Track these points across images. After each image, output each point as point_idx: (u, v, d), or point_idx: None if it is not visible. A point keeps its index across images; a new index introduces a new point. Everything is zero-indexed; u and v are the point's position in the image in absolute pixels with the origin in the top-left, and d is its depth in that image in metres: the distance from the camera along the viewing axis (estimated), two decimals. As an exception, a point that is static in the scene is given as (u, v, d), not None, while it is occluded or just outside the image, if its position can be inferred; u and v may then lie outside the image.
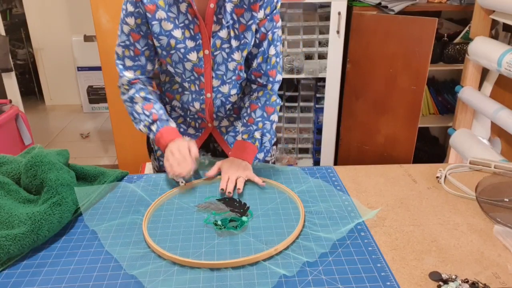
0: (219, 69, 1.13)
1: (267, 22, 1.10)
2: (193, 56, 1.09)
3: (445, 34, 2.49)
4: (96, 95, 4.06)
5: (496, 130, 2.07)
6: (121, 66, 1.14)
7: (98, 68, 3.74)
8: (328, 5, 2.29)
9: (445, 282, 0.77)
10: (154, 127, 1.12)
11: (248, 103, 1.20)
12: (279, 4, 1.11)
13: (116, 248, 0.87)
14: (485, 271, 0.81)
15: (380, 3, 2.26)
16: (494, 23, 2.04)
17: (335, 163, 2.64)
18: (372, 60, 2.31)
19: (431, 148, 2.81)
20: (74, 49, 3.97)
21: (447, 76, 2.76)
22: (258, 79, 1.19)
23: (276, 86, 1.21)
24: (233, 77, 1.17)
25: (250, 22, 1.08)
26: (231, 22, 1.08)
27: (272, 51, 1.15)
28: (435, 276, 0.79)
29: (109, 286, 0.78)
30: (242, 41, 1.10)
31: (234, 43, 1.10)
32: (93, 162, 3.16)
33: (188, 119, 1.26)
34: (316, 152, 2.68)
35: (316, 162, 2.69)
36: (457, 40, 2.46)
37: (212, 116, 1.23)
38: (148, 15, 1.05)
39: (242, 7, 1.06)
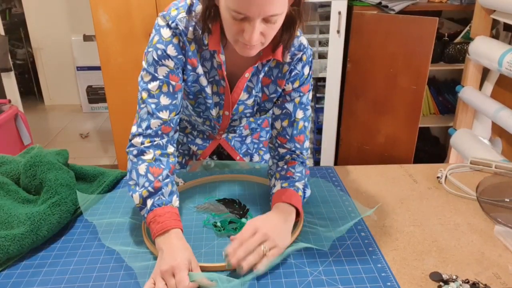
0: (235, 120, 1.09)
1: (293, 92, 0.99)
2: (214, 112, 1.03)
3: (446, 34, 2.49)
4: (95, 95, 4.06)
5: (497, 130, 2.07)
6: (153, 105, 0.91)
7: (97, 68, 3.72)
8: (328, 5, 2.28)
9: (446, 282, 0.77)
10: (149, 202, 0.87)
11: (283, 163, 1.02)
12: (310, 74, 1.00)
13: (116, 247, 0.87)
14: (485, 272, 0.81)
15: (380, 3, 2.25)
16: (495, 22, 2.04)
17: (335, 163, 2.63)
18: (372, 59, 2.30)
19: (432, 148, 2.81)
20: (74, 49, 3.96)
21: (447, 76, 2.76)
22: (285, 145, 1.02)
23: (305, 153, 1.04)
24: (247, 119, 1.13)
25: (272, 96, 1.01)
26: (258, 90, 1.01)
27: (299, 114, 1.00)
28: (436, 277, 0.79)
29: (108, 286, 0.77)
30: (262, 109, 1.05)
31: (255, 108, 1.05)
32: (93, 162, 3.15)
33: (195, 132, 1.21)
34: (316, 152, 2.68)
35: (316, 162, 2.68)
36: (458, 39, 2.45)
37: (221, 134, 1.19)
38: (188, 66, 0.95)
39: (270, 77, 0.99)
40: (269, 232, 0.83)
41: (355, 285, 0.77)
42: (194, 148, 1.22)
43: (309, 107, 1.02)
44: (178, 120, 0.98)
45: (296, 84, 0.99)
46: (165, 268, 0.76)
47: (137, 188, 0.88)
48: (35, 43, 4.06)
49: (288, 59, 0.96)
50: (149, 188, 0.87)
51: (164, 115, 0.92)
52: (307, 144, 1.04)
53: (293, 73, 0.97)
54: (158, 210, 0.86)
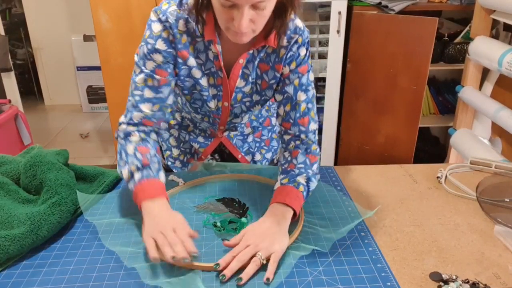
0: (235, 116, 1.09)
1: (291, 75, 0.99)
2: (212, 104, 1.03)
3: (446, 34, 2.49)
4: (95, 95, 4.06)
5: (497, 130, 2.07)
6: (138, 98, 0.95)
7: (97, 68, 3.72)
8: (328, 5, 2.29)
9: (446, 282, 0.77)
10: (137, 175, 0.90)
11: (288, 153, 1.02)
12: (306, 55, 0.99)
13: (116, 247, 0.87)
14: (485, 272, 0.81)
15: (380, 3, 2.25)
16: (495, 22, 2.04)
17: (335, 163, 2.64)
18: (372, 60, 2.30)
19: (432, 148, 2.81)
20: (74, 49, 3.96)
21: (447, 76, 2.76)
22: (289, 130, 1.02)
23: (312, 136, 1.02)
24: (249, 116, 1.13)
25: (272, 82, 1.01)
26: (255, 77, 1.01)
27: (301, 96, 0.99)
28: (436, 277, 0.79)
29: (108, 286, 0.77)
30: (263, 98, 1.04)
31: (255, 97, 1.04)
32: (93, 162, 3.15)
33: (197, 130, 1.22)
34: (316, 152, 2.68)
35: (316, 162, 2.68)
36: (458, 39, 2.45)
37: (222, 131, 1.19)
38: (179, 60, 0.96)
39: (268, 63, 0.99)
40: (261, 243, 0.83)
41: (355, 285, 0.77)
42: (196, 146, 1.22)
43: (310, 88, 1.01)
44: (165, 115, 1.00)
45: (292, 66, 0.98)
46: (163, 224, 0.81)
47: (126, 165, 0.93)
48: (35, 43, 4.06)
49: (285, 42, 0.96)
50: (138, 164, 0.91)
51: (146, 108, 0.96)
52: (313, 126, 1.02)
53: (288, 55, 0.98)
54: (145, 181, 0.90)
